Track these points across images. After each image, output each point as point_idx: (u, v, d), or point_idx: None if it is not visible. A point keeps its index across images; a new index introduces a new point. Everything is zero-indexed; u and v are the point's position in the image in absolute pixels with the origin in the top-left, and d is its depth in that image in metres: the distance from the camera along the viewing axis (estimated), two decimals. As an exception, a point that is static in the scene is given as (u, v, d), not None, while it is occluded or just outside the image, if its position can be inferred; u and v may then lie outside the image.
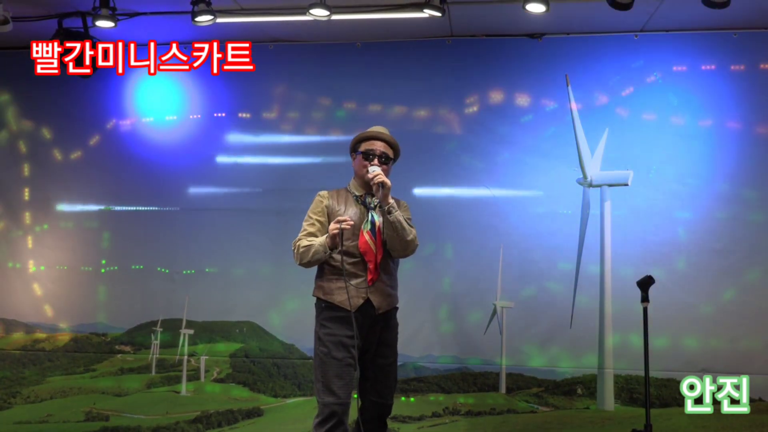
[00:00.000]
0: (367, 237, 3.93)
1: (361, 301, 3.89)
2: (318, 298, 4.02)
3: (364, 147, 4.04)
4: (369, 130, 4.13)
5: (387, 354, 4.03)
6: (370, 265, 3.91)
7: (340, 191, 4.12)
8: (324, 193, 4.09)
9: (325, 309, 3.96)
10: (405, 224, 3.90)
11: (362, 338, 3.93)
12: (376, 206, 3.97)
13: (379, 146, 4.02)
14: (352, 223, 3.81)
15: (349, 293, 3.84)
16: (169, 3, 5.34)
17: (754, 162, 5.47)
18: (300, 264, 3.97)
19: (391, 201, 3.88)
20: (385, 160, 4.01)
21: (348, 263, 3.90)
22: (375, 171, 3.88)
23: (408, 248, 3.95)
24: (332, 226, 3.80)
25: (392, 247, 3.94)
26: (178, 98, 6.15)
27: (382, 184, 3.82)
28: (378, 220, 3.97)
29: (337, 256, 3.88)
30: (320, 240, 3.89)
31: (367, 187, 4.00)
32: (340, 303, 3.88)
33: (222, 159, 6.08)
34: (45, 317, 6.23)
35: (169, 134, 6.17)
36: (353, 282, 3.88)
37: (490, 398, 5.64)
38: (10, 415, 6.07)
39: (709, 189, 5.49)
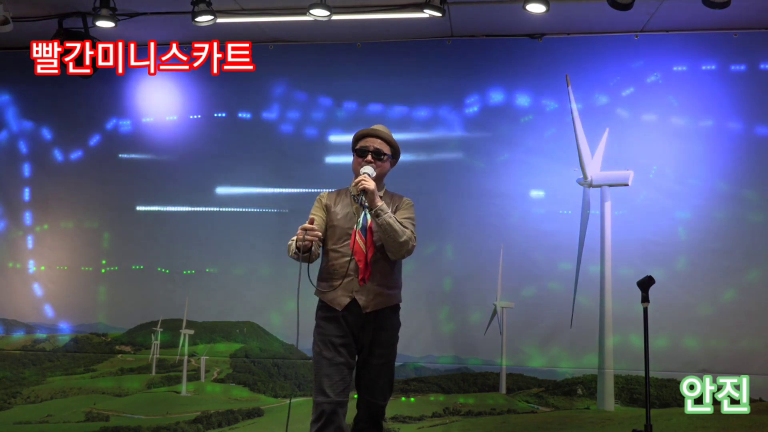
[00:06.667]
0: (357, 237, 3.95)
1: (347, 299, 3.92)
2: (318, 297, 4.07)
3: (359, 145, 4.09)
4: (368, 128, 4.17)
5: (380, 354, 4.02)
6: (360, 264, 3.93)
7: (341, 191, 4.17)
8: (324, 193, 4.17)
9: (320, 308, 4.03)
10: (396, 226, 3.88)
11: (353, 337, 3.97)
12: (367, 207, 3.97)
13: (373, 143, 4.05)
14: (318, 234, 3.79)
15: (336, 291, 3.91)
16: (169, 3, 5.34)
17: (753, 162, 5.47)
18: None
19: (379, 204, 3.86)
20: (379, 156, 4.03)
21: (344, 262, 3.93)
22: (361, 175, 3.89)
23: (401, 250, 3.93)
24: (299, 232, 3.75)
25: (386, 248, 3.95)
26: (178, 98, 6.15)
27: (364, 191, 3.82)
28: (370, 219, 3.97)
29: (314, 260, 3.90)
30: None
31: None
32: (330, 301, 3.95)
33: (222, 159, 6.07)
34: (45, 317, 6.23)
35: (169, 134, 6.17)
36: (344, 280, 3.91)
37: (490, 398, 5.63)
38: (10, 415, 6.07)
39: (709, 189, 5.49)
